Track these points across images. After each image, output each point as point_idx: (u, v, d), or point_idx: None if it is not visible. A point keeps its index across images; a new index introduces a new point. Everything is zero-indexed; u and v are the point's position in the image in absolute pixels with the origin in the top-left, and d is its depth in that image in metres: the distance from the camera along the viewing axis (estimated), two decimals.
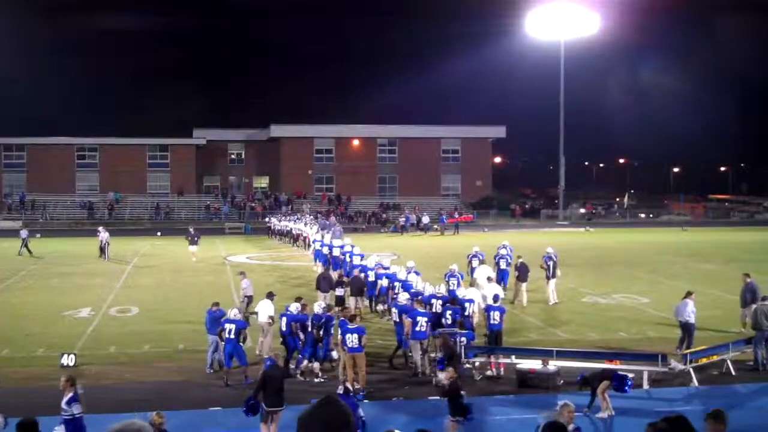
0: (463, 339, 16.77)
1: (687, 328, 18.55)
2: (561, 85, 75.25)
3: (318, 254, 34.82)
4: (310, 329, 17.04)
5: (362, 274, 24.61)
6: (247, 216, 70.06)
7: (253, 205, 74.00)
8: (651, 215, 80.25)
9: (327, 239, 34.45)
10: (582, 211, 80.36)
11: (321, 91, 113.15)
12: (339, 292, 24.02)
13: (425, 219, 60.68)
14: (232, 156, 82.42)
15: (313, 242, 39.66)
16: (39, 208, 71.11)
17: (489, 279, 22.80)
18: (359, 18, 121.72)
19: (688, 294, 19.06)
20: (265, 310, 18.99)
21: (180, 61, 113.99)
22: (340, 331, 16.32)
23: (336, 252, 31.93)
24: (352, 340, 15.78)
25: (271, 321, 18.81)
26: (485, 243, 35.02)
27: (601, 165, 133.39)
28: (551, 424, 5.89)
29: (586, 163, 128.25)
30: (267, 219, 60.43)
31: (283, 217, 55.53)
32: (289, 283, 30.93)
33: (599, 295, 27.42)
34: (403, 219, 62.20)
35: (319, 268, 35.18)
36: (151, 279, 32.23)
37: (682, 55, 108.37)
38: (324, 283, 24.78)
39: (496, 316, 17.88)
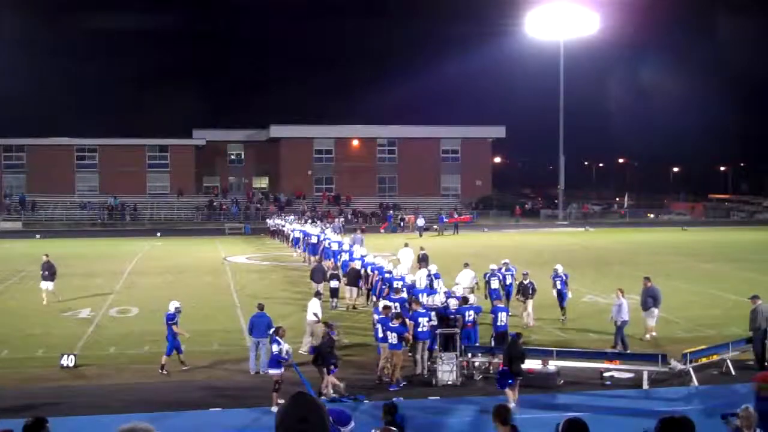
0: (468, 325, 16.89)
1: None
2: (561, 85, 75.27)
3: (297, 242, 36.38)
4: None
5: (352, 263, 25.22)
6: (252, 216, 70.12)
7: (259, 206, 73.84)
8: (651, 215, 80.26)
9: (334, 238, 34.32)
10: (577, 209, 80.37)
11: (321, 91, 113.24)
12: (333, 284, 24.21)
13: (420, 221, 59.60)
14: (232, 156, 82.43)
15: (292, 231, 40.63)
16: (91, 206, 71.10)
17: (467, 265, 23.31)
18: (359, 18, 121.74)
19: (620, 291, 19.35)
20: (312, 309, 19.02)
21: (180, 61, 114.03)
22: (381, 328, 16.49)
23: (314, 240, 32.70)
24: (392, 337, 16.19)
25: (316, 319, 18.76)
26: (485, 242, 34.95)
27: (601, 165, 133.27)
28: (573, 421, 5.72)
29: (586, 163, 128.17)
30: (269, 219, 60.07)
31: (295, 220, 53.42)
32: (290, 282, 30.86)
33: (599, 295, 27.37)
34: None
35: (297, 253, 36.42)
36: (151, 280, 32.19)
37: (682, 55, 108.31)
38: (317, 275, 25.14)
39: (502, 317, 17.86)
